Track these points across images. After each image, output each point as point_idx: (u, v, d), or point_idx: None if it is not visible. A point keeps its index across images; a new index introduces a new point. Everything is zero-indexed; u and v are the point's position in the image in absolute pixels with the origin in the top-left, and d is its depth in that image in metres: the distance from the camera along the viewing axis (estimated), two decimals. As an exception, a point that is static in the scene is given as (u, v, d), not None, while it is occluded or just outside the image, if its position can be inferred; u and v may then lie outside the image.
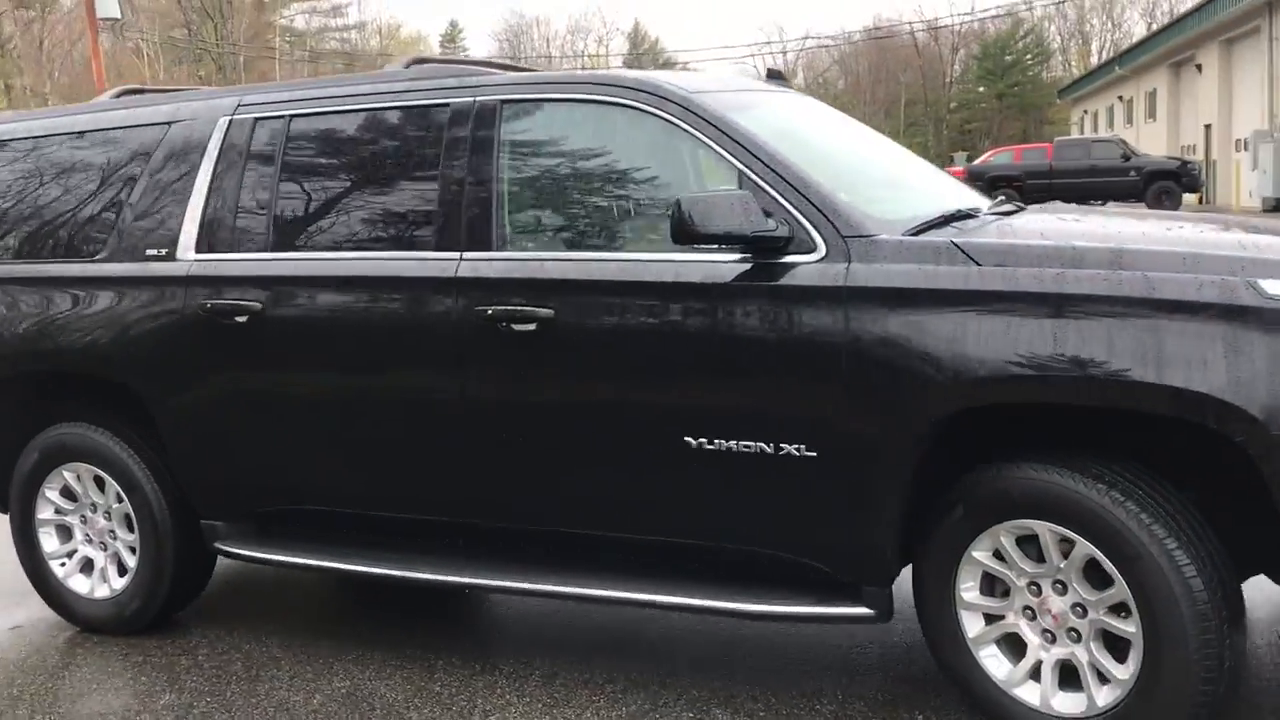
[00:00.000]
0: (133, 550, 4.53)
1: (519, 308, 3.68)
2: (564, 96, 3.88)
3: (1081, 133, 46.98)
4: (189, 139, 4.39)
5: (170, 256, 4.31)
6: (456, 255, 3.81)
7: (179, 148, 4.40)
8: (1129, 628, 3.12)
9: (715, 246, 3.43)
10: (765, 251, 3.41)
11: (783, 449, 3.39)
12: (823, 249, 3.36)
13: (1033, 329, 3.07)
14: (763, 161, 3.50)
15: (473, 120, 3.88)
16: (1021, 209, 4.10)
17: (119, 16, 24.43)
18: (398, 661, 4.20)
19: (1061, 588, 3.25)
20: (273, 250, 4.16)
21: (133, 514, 4.46)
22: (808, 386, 3.34)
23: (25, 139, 4.81)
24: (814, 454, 3.35)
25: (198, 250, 4.26)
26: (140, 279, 4.34)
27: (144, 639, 4.52)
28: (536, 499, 3.82)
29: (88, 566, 4.67)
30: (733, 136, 3.56)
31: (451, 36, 76.69)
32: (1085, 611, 3.22)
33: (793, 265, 3.38)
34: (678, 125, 3.63)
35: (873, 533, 3.36)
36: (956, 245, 3.25)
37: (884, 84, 67.43)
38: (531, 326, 3.66)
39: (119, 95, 4.94)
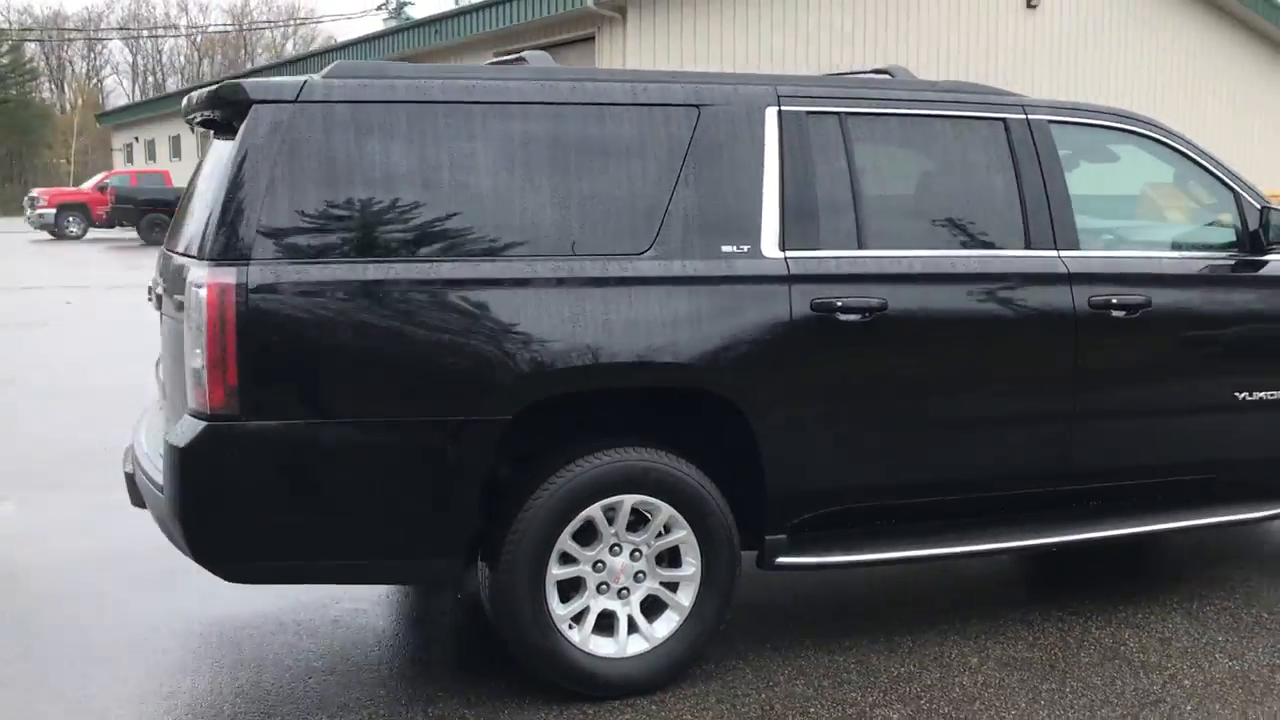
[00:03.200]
0: (671, 588, 3.97)
1: (1119, 296, 4.43)
2: (1096, 123, 4.78)
3: (129, 161, 48.23)
4: (734, 127, 4.06)
5: (755, 253, 3.97)
6: (1054, 252, 4.37)
7: (724, 136, 4.05)
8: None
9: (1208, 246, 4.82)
10: (1256, 249, 4.72)
11: None
12: None
13: None
14: (1243, 183, 4.77)
15: (1032, 136, 4.45)
16: None
17: None
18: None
19: None
20: (864, 246, 4.19)
21: (695, 545, 3.95)
22: None
23: (458, 104, 3.77)
24: None
25: (782, 246, 4.01)
26: (729, 278, 3.95)
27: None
28: (1124, 456, 4.62)
29: (601, 623, 3.92)
30: (1221, 164, 4.76)
31: None
32: None
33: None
34: (1180, 152, 4.75)
35: None
36: None
37: None
38: (1129, 313, 4.42)
39: (512, 62, 4.16)
